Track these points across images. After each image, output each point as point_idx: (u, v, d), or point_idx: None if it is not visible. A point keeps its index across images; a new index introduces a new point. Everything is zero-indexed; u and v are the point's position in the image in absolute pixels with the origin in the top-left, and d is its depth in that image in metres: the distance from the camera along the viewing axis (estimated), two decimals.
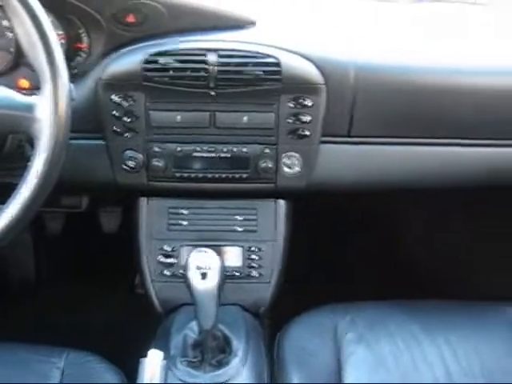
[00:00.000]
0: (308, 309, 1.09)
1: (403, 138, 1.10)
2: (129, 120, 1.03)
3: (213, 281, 0.87)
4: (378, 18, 1.22)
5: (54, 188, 0.80)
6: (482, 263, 1.52)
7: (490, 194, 1.31)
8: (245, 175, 1.08)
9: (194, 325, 0.98)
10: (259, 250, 1.13)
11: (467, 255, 1.55)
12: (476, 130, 1.09)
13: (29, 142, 0.93)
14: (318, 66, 1.01)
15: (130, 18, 1.00)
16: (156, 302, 1.13)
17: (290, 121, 1.04)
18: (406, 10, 1.30)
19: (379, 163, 1.12)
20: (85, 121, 1.01)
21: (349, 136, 1.08)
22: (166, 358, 0.86)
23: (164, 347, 0.95)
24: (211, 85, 0.99)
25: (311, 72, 1.01)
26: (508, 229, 1.44)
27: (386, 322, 1.05)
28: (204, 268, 0.88)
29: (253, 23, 1.07)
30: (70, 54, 1.03)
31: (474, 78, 1.07)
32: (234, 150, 1.06)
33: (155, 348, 0.86)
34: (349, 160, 1.11)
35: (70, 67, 0.85)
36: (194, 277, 0.87)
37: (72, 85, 0.83)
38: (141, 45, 1.01)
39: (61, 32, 1.02)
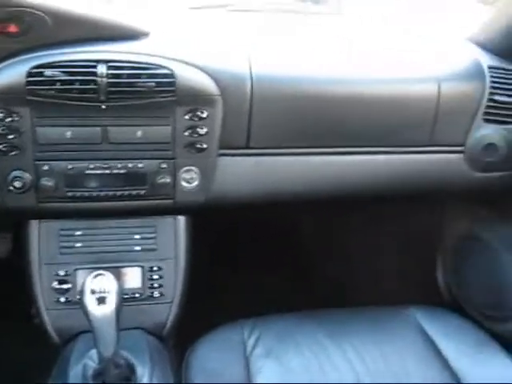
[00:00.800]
0: (215, 326, 1.06)
1: (301, 148, 1.10)
2: (13, 137, 0.96)
3: (110, 305, 0.82)
4: (271, 30, 1.22)
5: None
6: (384, 270, 1.55)
7: (390, 201, 1.34)
8: (142, 192, 1.04)
9: (93, 353, 0.92)
10: (160, 268, 1.09)
11: (369, 263, 1.58)
12: (370, 137, 1.11)
13: None
14: (213, 78, 0.99)
15: (12, 28, 0.92)
16: (52, 331, 1.06)
17: (187, 134, 1.01)
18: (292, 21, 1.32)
19: (278, 174, 1.11)
20: None
21: (247, 148, 1.07)
22: None
23: (62, 379, 0.89)
24: (102, 98, 0.94)
25: (206, 83, 0.99)
26: (410, 236, 1.49)
27: (294, 334, 1.04)
28: (100, 292, 0.82)
29: (145, 34, 1.04)
30: None
31: (367, 87, 1.08)
32: (130, 165, 1.02)
33: (53, 380, 0.80)
34: (248, 172, 1.09)
35: None
36: (90, 302, 0.82)
37: None
38: (24, 56, 0.94)
39: None
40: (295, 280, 1.55)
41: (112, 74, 0.94)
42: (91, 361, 0.92)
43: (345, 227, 1.56)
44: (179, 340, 1.13)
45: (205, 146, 1.02)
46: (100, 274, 0.85)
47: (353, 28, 1.33)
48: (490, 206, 1.32)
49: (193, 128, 1.00)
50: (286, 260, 1.59)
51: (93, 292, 0.82)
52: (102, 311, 0.82)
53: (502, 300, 1.29)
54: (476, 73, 1.13)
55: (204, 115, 1.00)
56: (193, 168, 1.04)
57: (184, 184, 1.05)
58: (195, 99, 0.99)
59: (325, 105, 1.06)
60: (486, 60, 1.16)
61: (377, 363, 1.00)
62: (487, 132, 1.13)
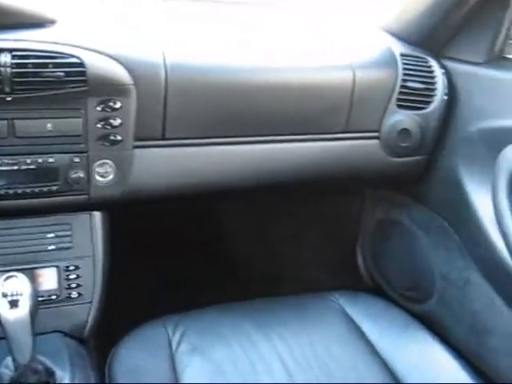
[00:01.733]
0: (138, 325, 1.03)
1: (218, 138, 1.08)
2: None
3: (24, 308, 0.77)
4: (187, 18, 1.19)
5: None
6: (308, 258, 1.57)
7: (310, 189, 1.35)
8: (54, 188, 0.98)
9: (8, 360, 0.86)
10: (76, 268, 1.03)
11: (293, 252, 1.58)
12: (287, 126, 1.10)
13: None
14: (125, 66, 0.95)
15: None
16: None
17: (100, 126, 0.96)
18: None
19: (196, 165, 1.08)
20: None
21: (163, 139, 1.03)
22: None
23: None
24: (6, 89, 0.88)
25: (118, 72, 0.95)
26: (331, 223, 1.51)
27: (220, 327, 1.02)
28: (13, 295, 0.77)
29: (52, 22, 0.98)
30: None
31: (281, 75, 1.08)
32: (40, 160, 0.96)
33: None
34: (165, 164, 1.06)
35: None
36: (1, 306, 0.77)
37: None
38: None
39: None
40: (220, 273, 1.53)
41: (16, 63, 0.88)
42: (7, 369, 0.87)
43: (267, 217, 1.56)
44: (101, 341, 1.09)
45: (119, 138, 0.98)
46: (12, 276, 0.80)
47: (268, 17, 1.32)
48: (406, 190, 1.35)
49: (106, 119, 0.96)
50: (210, 253, 1.56)
51: (4, 295, 0.77)
52: (14, 315, 0.77)
53: (419, 281, 1.33)
54: (389, 60, 1.16)
55: (117, 106, 0.96)
56: (107, 161, 1.00)
57: (98, 178, 1.00)
58: (107, 89, 0.95)
59: (240, 94, 1.04)
60: (398, 48, 1.18)
61: (304, 352, 1.00)
62: (401, 118, 1.16)
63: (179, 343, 0.98)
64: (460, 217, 1.19)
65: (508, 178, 1.01)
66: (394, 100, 1.15)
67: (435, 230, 1.27)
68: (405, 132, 1.17)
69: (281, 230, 1.57)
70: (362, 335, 1.06)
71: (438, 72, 1.17)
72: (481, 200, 1.12)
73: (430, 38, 1.19)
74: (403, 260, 1.38)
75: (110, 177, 1.01)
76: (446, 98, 1.16)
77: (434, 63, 1.17)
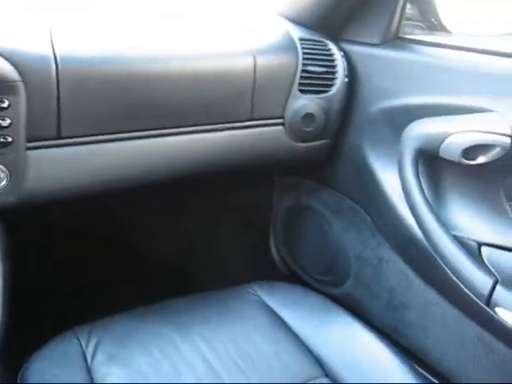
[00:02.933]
0: (49, 338, 0.96)
1: (118, 133, 1.01)
2: None
3: None
4: (77, 7, 1.12)
5: None
6: (223, 251, 1.54)
7: (220, 180, 1.32)
8: None
9: None
10: None
11: (207, 245, 1.54)
12: (191, 116, 1.07)
13: None
14: (10, 61, 0.87)
15: None
16: None
17: None
18: None
19: (97, 164, 1.01)
20: None
21: (59, 138, 0.96)
22: None
23: None
24: None
25: (4, 68, 0.86)
26: (243, 213, 1.48)
27: (137, 333, 0.97)
28: None
29: None
30: None
31: (181, 64, 1.04)
32: None
33: None
34: (62, 164, 0.98)
35: None
36: None
37: None
38: None
39: None
40: (134, 274, 1.46)
41: None
42: None
43: (178, 212, 1.52)
44: (10, 358, 1.00)
45: (9, 139, 0.90)
46: None
47: (166, 4, 1.28)
48: (314, 175, 1.35)
49: None
50: (122, 253, 1.49)
51: None
52: None
53: (334, 264, 1.34)
54: (288, 45, 1.15)
55: (5, 105, 0.87)
56: None
57: None
58: None
59: (138, 85, 0.99)
60: (296, 33, 1.18)
61: (227, 348, 0.96)
62: (304, 102, 1.15)
63: (94, 354, 0.92)
64: (369, 197, 1.20)
65: (413, 154, 1.04)
66: (296, 85, 1.14)
67: (346, 212, 1.28)
68: (309, 116, 1.17)
69: (193, 224, 1.53)
70: (283, 324, 1.04)
71: (338, 55, 1.17)
72: (388, 178, 1.14)
73: (327, 22, 1.20)
74: (317, 245, 1.38)
75: (3, 182, 0.92)
76: (346, 80, 1.17)
77: (332, 46, 1.18)
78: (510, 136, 0.91)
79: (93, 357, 0.92)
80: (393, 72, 1.12)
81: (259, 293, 1.11)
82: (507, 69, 0.98)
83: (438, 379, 1.10)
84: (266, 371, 0.94)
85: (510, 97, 0.94)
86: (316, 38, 1.18)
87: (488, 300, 0.94)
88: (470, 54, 1.05)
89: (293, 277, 1.46)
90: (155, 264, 1.50)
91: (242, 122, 1.12)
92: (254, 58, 1.09)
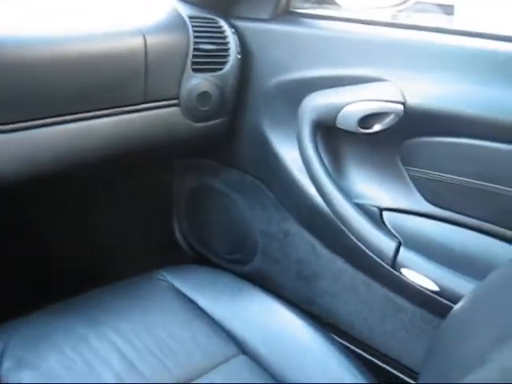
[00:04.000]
0: None
1: (9, 124, 0.95)
2: None
3: None
4: None
5: None
6: (129, 239, 1.49)
7: (119, 166, 1.27)
8: None
9: None
10: None
11: (111, 235, 1.49)
12: (83, 101, 1.01)
13: None
14: None
15: None
16: None
17: None
18: None
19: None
20: None
21: None
22: None
23: None
24: None
25: None
26: (146, 199, 1.44)
27: (47, 333, 0.92)
28: None
29: None
30: None
31: (68, 46, 0.97)
32: None
33: None
34: None
35: None
36: None
37: None
38: None
39: None
40: (38, 272, 1.38)
41: None
42: None
43: (79, 203, 1.45)
44: None
45: None
46: None
47: None
48: (214, 155, 1.34)
49: None
50: (25, 251, 1.40)
51: None
52: None
53: (241, 242, 1.34)
54: (178, 23, 1.11)
55: None
56: None
57: None
58: None
59: (21, 70, 0.92)
60: (185, 11, 1.14)
61: (142, 338, 0.94)
62: (198, 81, 1.13)
63: (1, 361, 0.86)
64: (271, 172, 1.21)
65: (310, 126, 1.05)
66: (189, 64, 1.12)
67: (249, 190, 1.28)
68: (204, 95, 1.15)
69: (92, 213, 1.47)
70: (196, 308, 1.03)
71: (229, 32, 1.16)
72: (288, 152, 1.15)
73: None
74: (222, 225, 1.38)
75: None
76: (239, 57, 1.16)
77: (223, 24, 1.16)
78: (402, 103, 0.95)
79: (0, 363, 0.86)
80: (285, 46, 1.13)
81: (169, 278, 1.09)
82: (397, 39, 1.02)
83: (351, 343, 1.14)
84: (185, 357, 0.92)
85: (401, 66, 0.98)
86: (206, 15, 1.16)
87: (393, 262, 0.98)
88: (361, 25, 1.08)
89: (201, 259, 1.45)
90: (57, 258, 1.43)
91: (136, 104, 1.08)
92: (144, 37, 1.05)
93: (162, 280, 1.09)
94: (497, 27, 1.00)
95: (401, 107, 0.95)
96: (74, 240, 1.45)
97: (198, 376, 0.90)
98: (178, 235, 1.49)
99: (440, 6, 1.70)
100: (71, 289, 1.02)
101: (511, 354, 0.34)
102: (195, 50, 1.12)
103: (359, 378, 0.89)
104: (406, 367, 1.08)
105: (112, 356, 0.90)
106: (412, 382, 1.07)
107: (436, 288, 0.93)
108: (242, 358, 0.94)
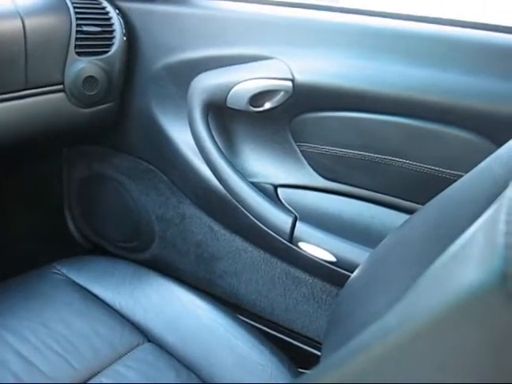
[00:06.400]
0: None
1: None
2: None
3: None
4: None
5: None
6: (19, 234, 1.42)
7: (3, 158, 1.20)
8: None
9: None
10: None
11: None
12: None
13: None
14: None
15: None
16: None
17: None
18: None
19: None
20: None
21: None
22: None
23: None
24: None
25: None
26: (35, 191, 1.38)
27: None
28: None
29: None
30: None
31: None
32: None
33: None
34: None
35: None
36: None
37: None
38: None
39: None
40: None
41: None
42: None
43: None
44: None
45: None
46: None
47: None
48: (104, 141, 1.30)
49: None
50: None
51: None
52: None
53: (137, 229, 1.31)
54: (58, 5, 1.06)
55: None
56: None
57: None
58: None
59: None
60: None
61: (40, 335, 0.89)
62: (83, 65, 1.09)
63: None
64: (163, 156, 1.19)
65: (201, 107, 1.04)
66: (72, 47, 1.07)
67: (142, 176, 1.26)
68: (90, 80, 1.11)
69: None
70: (96, 299, 1.00)
71: (113, 13, 1.12)
72: (179, 135, 1.14)
73: None
74: (117, 213, 1.34)
75: None
76: (125, 39, 1.13)
77: (106, 4, 1.12)
78: (291, 80, 0.96)
79: None
80: (172, 27, 1.11)
81: (64, 271, 1.05)
82: (283, 17, 1.03)
83: (255, 321, 1.16)
84: (88, 350, 0.89)
85: (288, 43, 0.99)
86: None
87: (290, 237, 1.00)
88: (247, 4, 1.08)
89: (98, 250, 1.40)
90: None
91: (16, 91, 1.03)
92: (22, 19, 0.99)
93: (56, 273, 1.04)
94: (381, 4, 1.04)
95: (289, 84, 0.96)
96: None
97: (103, 368, 0.88)
98: (71, 226, 1.43)
99: None
100: None
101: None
102: (78, 32, 1.08)
103: (266, 354, 0.91)
104: (310, 339, 1.11)
105: (8, 356, 0.85)
106: (317, 352, 1.10)
107: (333, 259, 0.96)
108: (147, 345, 0.93)
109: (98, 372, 0.87)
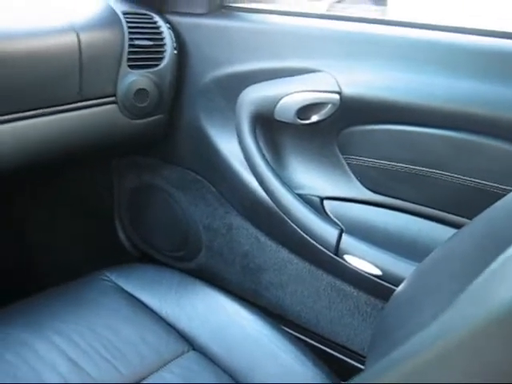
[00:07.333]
0: None
1: None
2: None
3: None
4: None
5: None
6: (70, 243, 1.46)
7: (55, 168, 1.24)
8: None
9: None
10: None
11: (49, 239, 1.45)
12: (13, 102, 0.98)
13: None
14: None
15: None
16: None
17: None
18: None
19: None
20: None
21: None
22: None
23: None
24: None
25: None
26: (85, 201, 1.41)
27: None
28: None
29: None
30: None
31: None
32: None
33: None
34: None
35: None
36: None
37: None
38: None
39: None
40: None
41: None
42: None
43: (15, 205, 1.40)
44: None
45: None
46: None
47: None
48: (154, 152, 1.33)
49: None
50: None
51: None
52: None
53: (185, 239, 1.33)
54: (112, 20, 1.10)
55: None
56: None
57: None
58: None
59: None
60: (119, 6, 1.13)
61: (87, 339, 0.92)
62: (135, 78, 1.12)
63: None
64: (212, 167, 1.21)
65: (249, 119, 1.06)
66: (124, 61, 1.11)
67: (190, 186, 1.28)
68: (141, 92, 1.14)
69: (36, 217, 1.43)
70: (143, 306, 1.02)
71: (164, 27, 1.15)
72: (228, 146, 1.15)
73: None
74: (165, 223, 1.37)
75: None
76: (176, 52, 1.15)
77: (158, 19, 1.15)
78: (338, 93, 0.97)
79: None
80: (222, 40, 1.13)
81: (113, 278, 1.08)
82: (331, 30, 1.03)
83: (300, 332, 1.16)
84: (133, 356, 0.91)
85: (335, 56, 1.00)
86: (140, 11, 1.15)
87: (336, 249, 1.00)
88: (295, 18, 1.09)
89: (146, 258, 1.43)
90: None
91: (71, 103, 1.06)
92: (78, 34, 1.03)
93: (106, 280, 1.07)
94: (427, 17, 1.04)
95: (337, 97, 0.97)
96: (15, 243, 1.41)
97: (148, 374, 0.89)
98: (121, 235, 1.47)
99: None
100: (14, 293, 0.99)
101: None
102: (130, 46, 1.11)
103: (309, 366, 0.90)
104: (353, 352, 1.10)
105: (56, 358, 0.87)
106: (360, 366, 1.09)
107: (379, 272, 0.96)
108: (192, 354, 0.94)
109: (144, 378, 0.88)
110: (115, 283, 1.06)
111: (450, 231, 0.88)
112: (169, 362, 0.92)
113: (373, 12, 1.63)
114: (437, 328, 0.35)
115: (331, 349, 1.13)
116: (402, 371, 0.35)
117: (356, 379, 0.43)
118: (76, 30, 1.03)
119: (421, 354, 0.34)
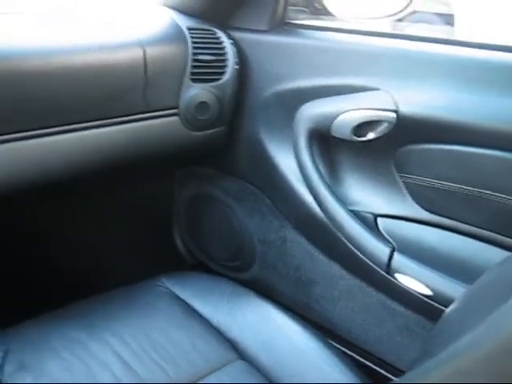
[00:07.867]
0: None
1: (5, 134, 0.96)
2: None
3: None
4: None
5: None
6: (126, 248, 1.51)
7: (117, 176, 1.29)
8: None
9: None
10: None
11: (108, 244, 1.51)
12: (83, 112, 1.03)
13: None
14: None
15: None
16: None
17: None
18: None
19: None
20: None
21: None
22: None
23: None
24: None
25: None
26: (144, 208, 1.46)
27: (46, 339, 0.94)
28: None
29: None
30: None
31: (68, 58, 0.99)
32: None
33: None
34: None
35: None
36: None
37: None
38: None
39: None
40: (37, 279, 1.40)
41: None
42: None
43: (76, 212, 1.47)
44: None
45: None
46: None
47: None
48: (213, 163, 1.36)
49: None
50: (13, 258, 1.41)
51: None
52: None
53: (240, 249, 1.35)
54: (177, 35, 1.14)
55: None
56: None
57: None
58: None
59: (21, 80, 0.94)
60: (184, 22, 1.17)
61: (140, 342, 0.95)
62: (197, 91, 1.16)
63: (3, 364, 0.88)
64: (268, 181, 1.23)
65: (306, 135, 1.07)
66: (187, 74, 1.14)
67: (248, 198, 1.30)
68: (203, 105, 1.17)
69: (96, 224, 1.49)
70: (195, 314, 1.05)
71: (227, 43, 1.18)
72: (285, 161, 1.17)
73: (214, 10, 1.20)
74: (221, 232, 1.39)
75: None
76: (237, 67, 1.18)
77: (221, 34, 1.19)
78: (395, 111, 0.97)
79: (2, 366, 0.88)
80: (282, 57, 1.15)
81: (168, 285, 1.11)
82: (389, 48, 1.04)
83: (348, 348, 1.16)
84: (183, 361, 0.94)
85: (393, 75, 1.00)
86: (204, 26, 1.18)
87: (387, 267, 1.00)
88: (355, 36, 1.10)
89: (200, 266, 1.46)
90: (58, 266, 1.45)
91: (135, 114, 1.11)
92: (144, 49, 1.07)
93: (161, 286, 1.11)
94: (496, 37, 1.03)
95: (394, 115, 0.97)
96: (75, 248, 1.47)
97: (196, 380, 0.92)
98: (178, 242, 1.50)
99: (440, 15, 1.71)
100: (72, 296, 1.04)
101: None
102: (194, 60, 1.14)
103: (354, 381, 0.91)
104: (401, 371, 1.09)
105: (109, 358, 0.92)
106: None
107: (429, 292, 0.95)
108: (240, 363, 0.96)
109: (191, 383, 0.91)
110: (170, 289, 1.10)
111: (503, 254, 0.87)
112: (217, 369, 0.94)
113: (439, 32, 1.61)
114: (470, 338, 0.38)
115: (379, 366, 1.12)
116: (439, 375, 0.40)
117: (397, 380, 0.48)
118: (142, 45, 1.07)
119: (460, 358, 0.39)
